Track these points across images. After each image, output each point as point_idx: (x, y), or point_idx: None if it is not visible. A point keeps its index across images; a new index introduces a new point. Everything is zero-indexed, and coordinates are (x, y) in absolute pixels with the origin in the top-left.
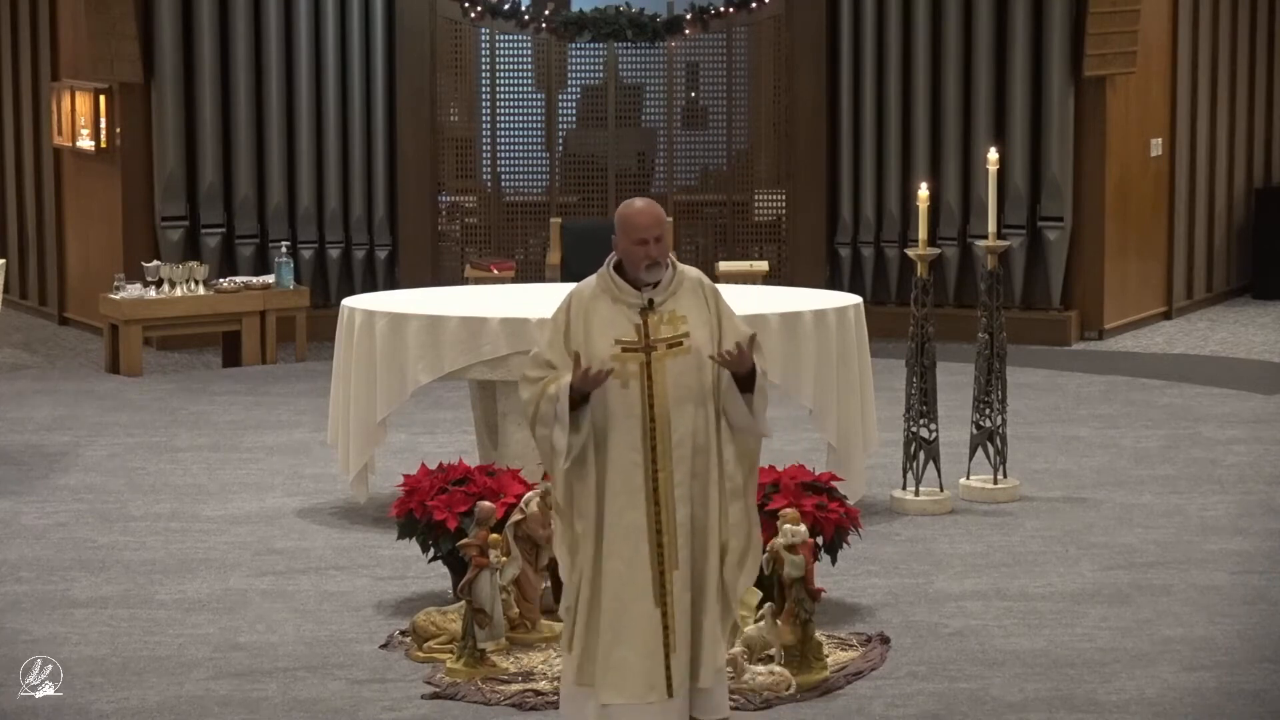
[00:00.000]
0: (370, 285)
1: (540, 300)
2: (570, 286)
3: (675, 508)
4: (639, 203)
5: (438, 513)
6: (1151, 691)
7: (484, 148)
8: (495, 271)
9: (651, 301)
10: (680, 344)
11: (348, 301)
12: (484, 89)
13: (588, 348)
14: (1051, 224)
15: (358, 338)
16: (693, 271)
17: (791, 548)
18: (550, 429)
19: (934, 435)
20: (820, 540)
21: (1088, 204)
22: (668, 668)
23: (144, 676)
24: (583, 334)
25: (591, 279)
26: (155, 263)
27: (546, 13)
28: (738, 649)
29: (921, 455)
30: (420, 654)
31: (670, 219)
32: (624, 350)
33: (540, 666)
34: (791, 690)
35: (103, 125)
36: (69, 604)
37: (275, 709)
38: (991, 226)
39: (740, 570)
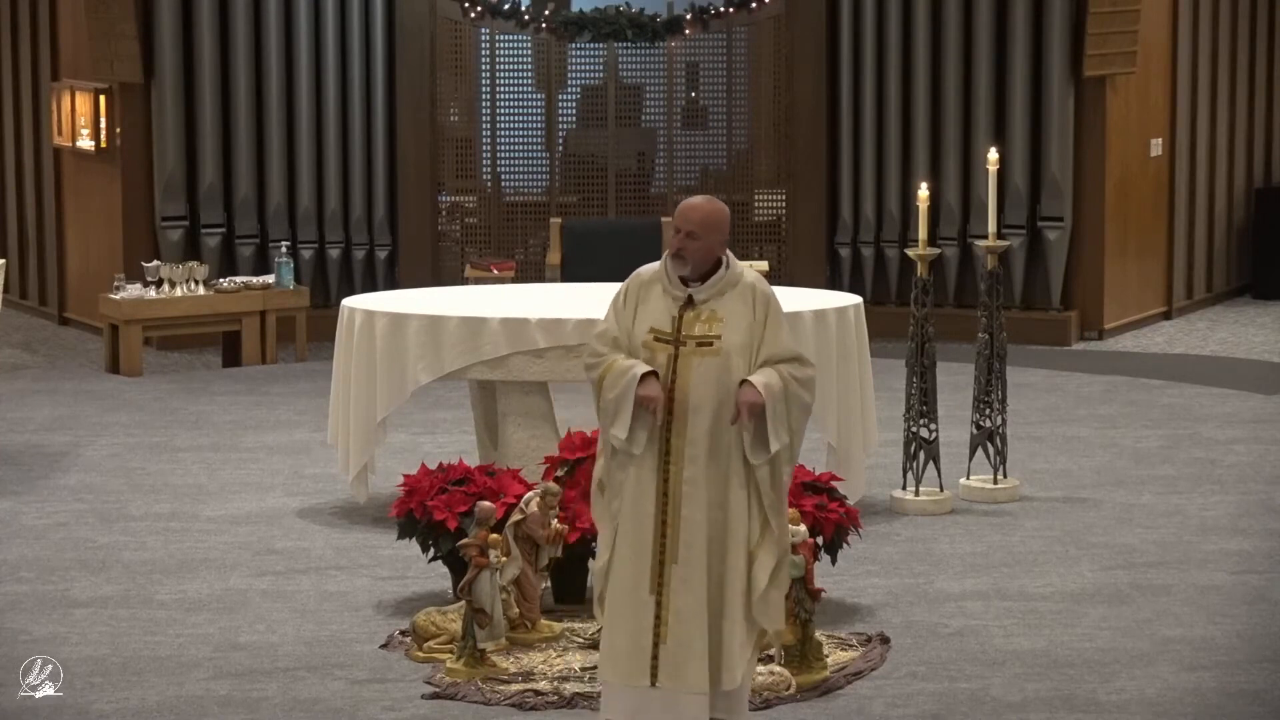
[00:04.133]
0: (370, 285)
1: (540, 300)
2: (569, 287)
3: (681, 505)
4: (697, 198)
5: (438, 513)
6: (1151, 691)
7: (484, 148)
8: (495, 271)
9: (691, 297)
10: (710, 344)
11: (348, 301)
12: (484, 89)
13: (632, 330)
14: (1051, 224)
15: (358, 338)
16: (750, 275)
17: (792, 548)
18: (611, 401)
19: (934, 435)
20: (820, 540)
21: (1088, 204)
22: (654, 657)
23: (144, 676)
24: (632, 317)
25: (656, 264)
26: (155, 263)
27: (546, 13)
28: None
29: (921, 455)
30: (420, 654)
31: (670, 219)
32: (655, 339)
33: (540, 666)
34: (791, 690)
35: (103, 125)
36: (69, 604)
37: (275, 709)
38: (991, 226)
39: (772, 585)
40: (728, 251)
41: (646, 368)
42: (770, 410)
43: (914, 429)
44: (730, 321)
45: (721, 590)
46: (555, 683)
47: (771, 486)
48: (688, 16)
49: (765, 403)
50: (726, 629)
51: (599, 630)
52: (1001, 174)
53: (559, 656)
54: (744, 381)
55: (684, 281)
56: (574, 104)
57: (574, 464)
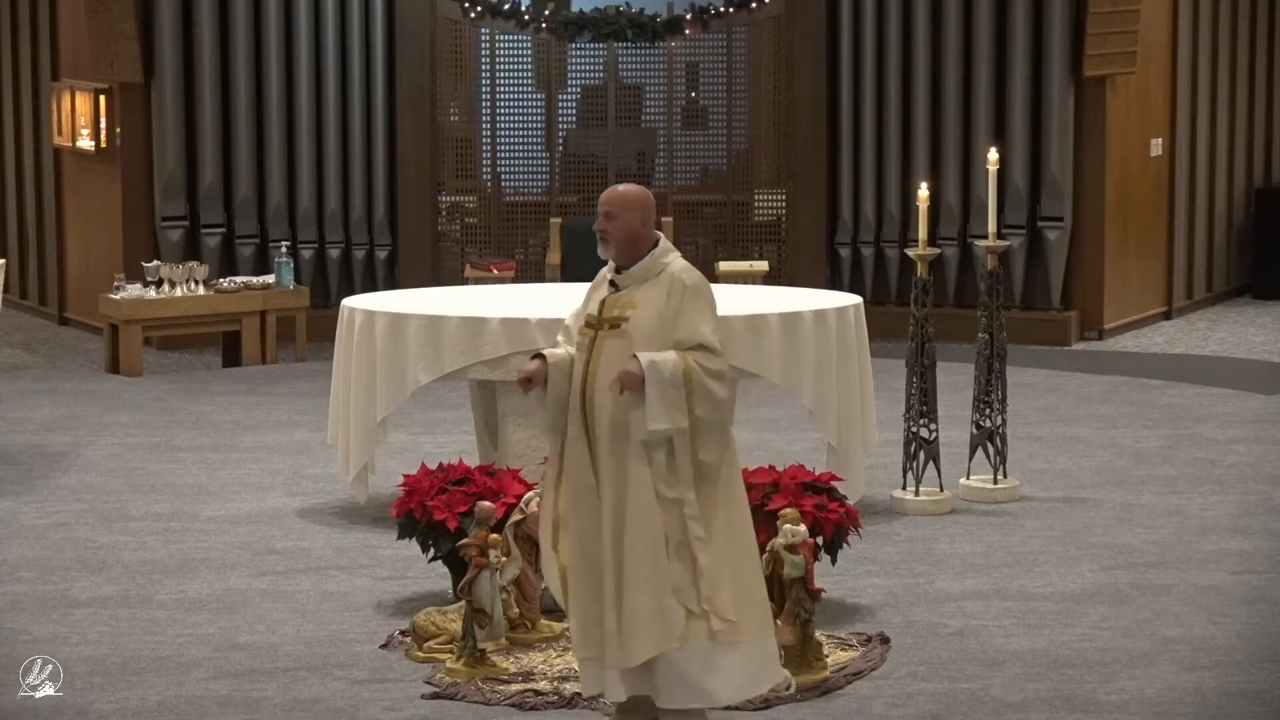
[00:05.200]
0: (370, 285)
1: (540, 300)
2: (569, 287)
3: (605, 484)
4: (619, 185)
5: (438, 513)
6: (1151, 691)
7: (484, 148)
8: (495, 271)
9: (614, 283)
10: (618, 327)
11: (348, 301)
12: (484, 89)
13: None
14: (1051, 224)
15: (358, 338)
16: (677, 267)
17: (791, 548)
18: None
19: (934, 435)
20: (820, 540)
21: (1088, 204)
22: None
23: (144, 676)
24: (587, 305)
25: None
26: (155, 263)
27: (546, 13)
28: None
29: (921, 455)
30: (420, 654)
31: (669, 218)
32: (586, 325)
33: (540, 666)
34: (791, 690)
35: (103, 125)
36: (69, 604)
37: (275, 709)
38: (991, 226)
39: (715, 591)
40: (661, 241)
41: (542, 350)
42: (652, 386)
43: (914, 429)
44: (642, 307)
45: (620, 569)
46: (555, 683)
47: (668, 470)
48: (688, 16)
49: (644, 375)
50: (627, 608)
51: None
52: (1001, 174)
53: (559, 656)
54: (635, 356)
55: (619, 270)
56: (574, 104)
57: None
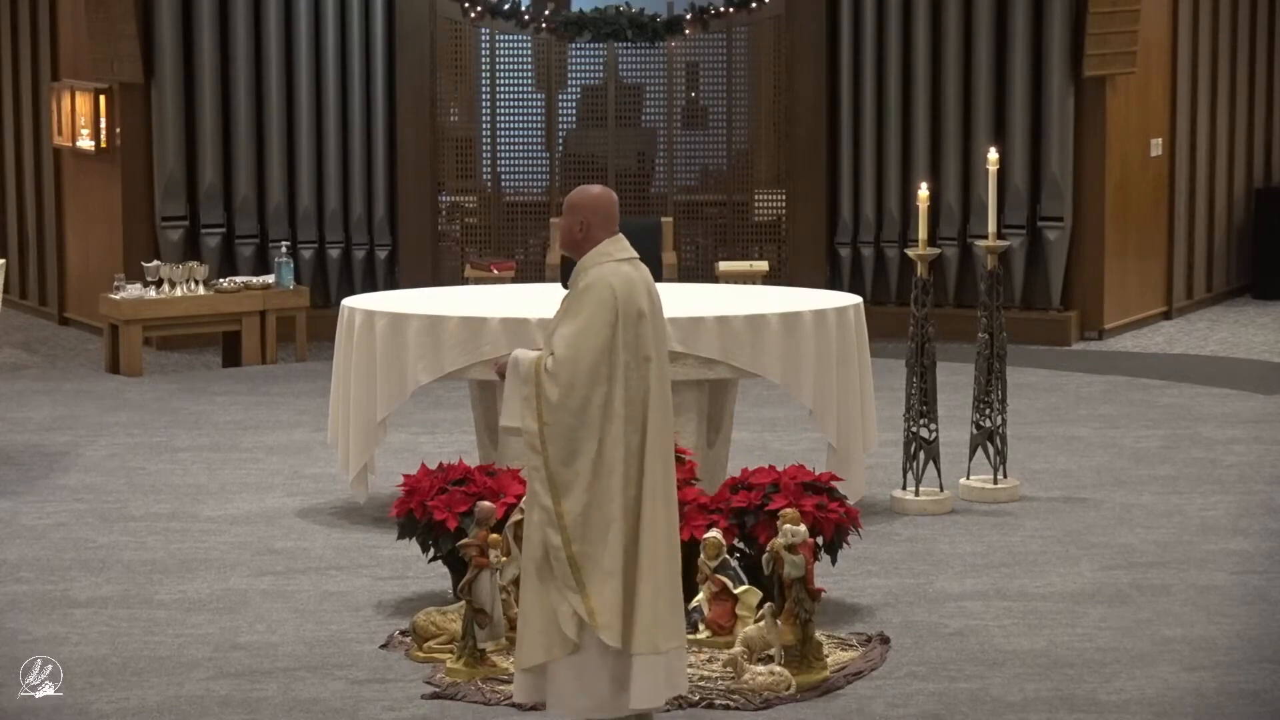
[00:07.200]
0: (370, 285)
1: (540, 300)
2: None
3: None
4: (581, 187)
5: (438, 513)
6: (1151, 691)
7: (484, 148)
8: (495, 271)
9: (565, 284)
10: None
11: (348, 301)
12: (484, 89)
13: None
14: (1051, 224)
15: (358, 338)
16: (592, 275)
17: (791, 548)
18: None
19: (934, 435)
20: (820, 540)
21: (1088, 204)
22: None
23: (144, 676)
24: None
25: None
26: (155, 263)
27: (546, 13)
28: (738, 649)
29: (921, 455)
30: (420, 654)
31: (669, 218)
32: None
33: None
34: (791, 690)
35: (103, 125)
36: (69, 604)
37: (275, 709)
38: (991, 226)
39: (548, 587)
40: (600, 246)
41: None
42: (508, 381)
43: (914, 429)
44: (557, 312)
45: (526, 574)
46: None
47: (530, 475)
48: (688, 16)
49: (509, 383)
50: (523, 610)
51: None
52: (1001, 174)
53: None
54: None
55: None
56: (574, 104)
57: None
